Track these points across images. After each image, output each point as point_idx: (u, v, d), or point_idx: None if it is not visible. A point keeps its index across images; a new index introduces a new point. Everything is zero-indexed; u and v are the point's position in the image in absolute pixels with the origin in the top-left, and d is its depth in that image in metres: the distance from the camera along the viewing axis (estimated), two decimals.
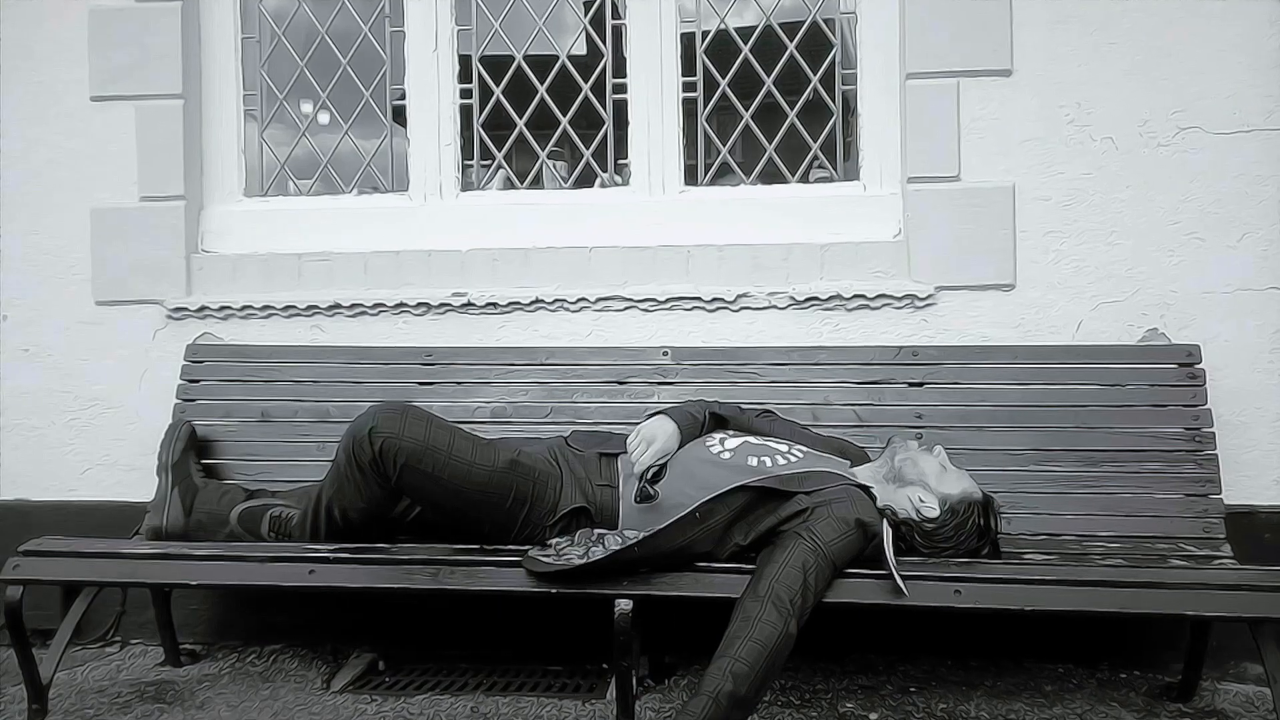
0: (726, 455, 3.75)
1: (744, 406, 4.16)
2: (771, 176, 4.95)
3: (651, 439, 3.72)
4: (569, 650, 4.40)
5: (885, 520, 3.59)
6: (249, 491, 4.18)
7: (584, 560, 3.44)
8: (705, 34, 4.94)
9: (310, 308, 4.83)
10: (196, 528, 4.07)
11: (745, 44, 4.91)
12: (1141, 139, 4.47)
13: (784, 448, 3.83)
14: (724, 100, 4.94)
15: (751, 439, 3.85)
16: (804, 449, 3.88)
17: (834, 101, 4.87)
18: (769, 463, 3.73)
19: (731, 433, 3.90)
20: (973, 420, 4.28)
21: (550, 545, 3.63)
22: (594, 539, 3.61)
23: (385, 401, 3.81)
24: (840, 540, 3.47)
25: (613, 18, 4.95)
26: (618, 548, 3.45)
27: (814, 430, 4.19)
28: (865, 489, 3.69)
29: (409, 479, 3.64)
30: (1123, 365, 4.30)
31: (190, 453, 4.29)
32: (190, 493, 4.13)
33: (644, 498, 3.64)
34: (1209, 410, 4.16)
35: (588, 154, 5.02)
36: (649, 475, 3.68)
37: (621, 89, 4.94)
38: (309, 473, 4.38)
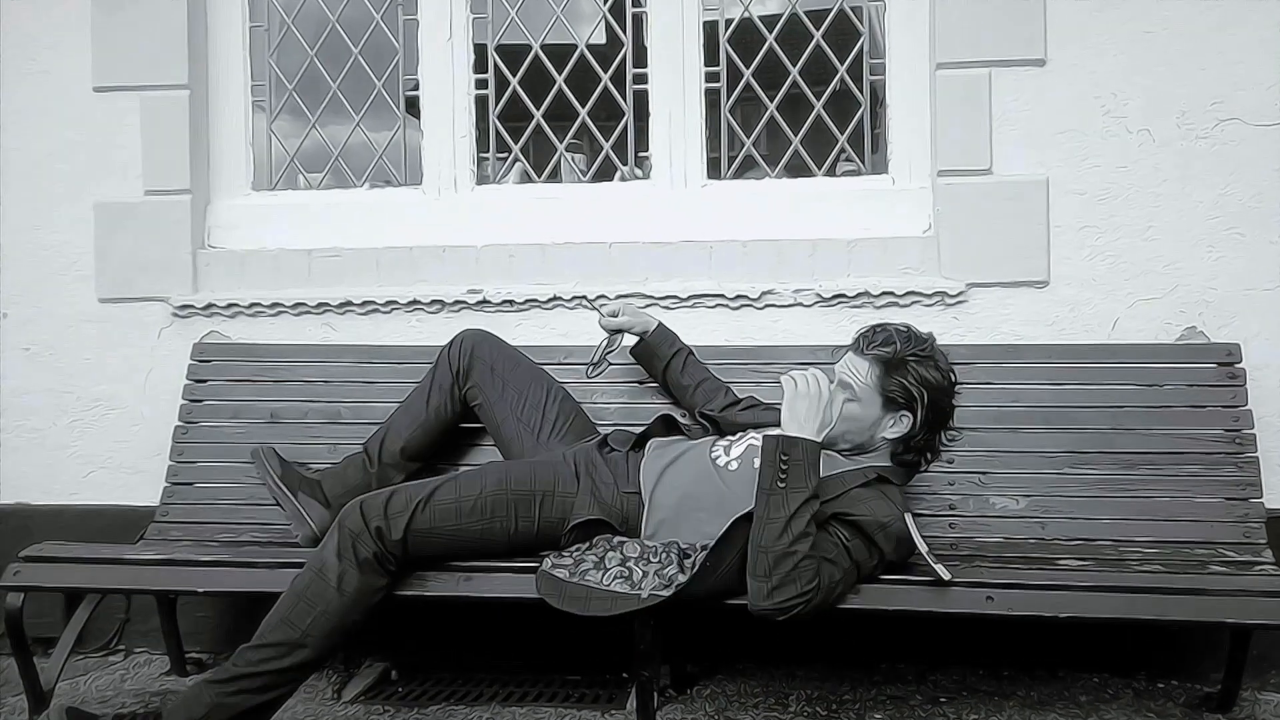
0: (734, 465, 3.78)
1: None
2: (797, 170, 5.01)
3: (629, 318, 4.39)
4: (587, 659, 4.43)
5: (907, 515, 3.63)
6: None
7: (608, 613, 3.47)
8: (729, 22, 4.99)
9: (321, 305, 4.90)
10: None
11: (770, 33, 4.97)
12: (1179, 131, 4.51)
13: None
14: (748, 91, 5.00)
15: (752, 437, 3.86)
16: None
17: (862, 92, 4.93)
18: None
19: (734, 438, 3.93)
20: (1005, 422, 4.31)
21: (567, 554, 3.66)
22: (612, 545, 3.65)
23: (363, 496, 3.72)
24: (868, 557, 3.54)
25: (633, 5, 5.01)
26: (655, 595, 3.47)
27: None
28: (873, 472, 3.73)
29: (411, 550, 3.64)
30: (1160, 365, 4.33)
31: (283, 461, 4.35)
32: (313, 486, 4.23)
33: (594, 365, 4.33)
34: (1249, 411, 4.18)
35: (607, 146, 5.08)
36: (601, 347, 4.33)
37: (642, 79, 5.00)
38: None
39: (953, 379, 3.77)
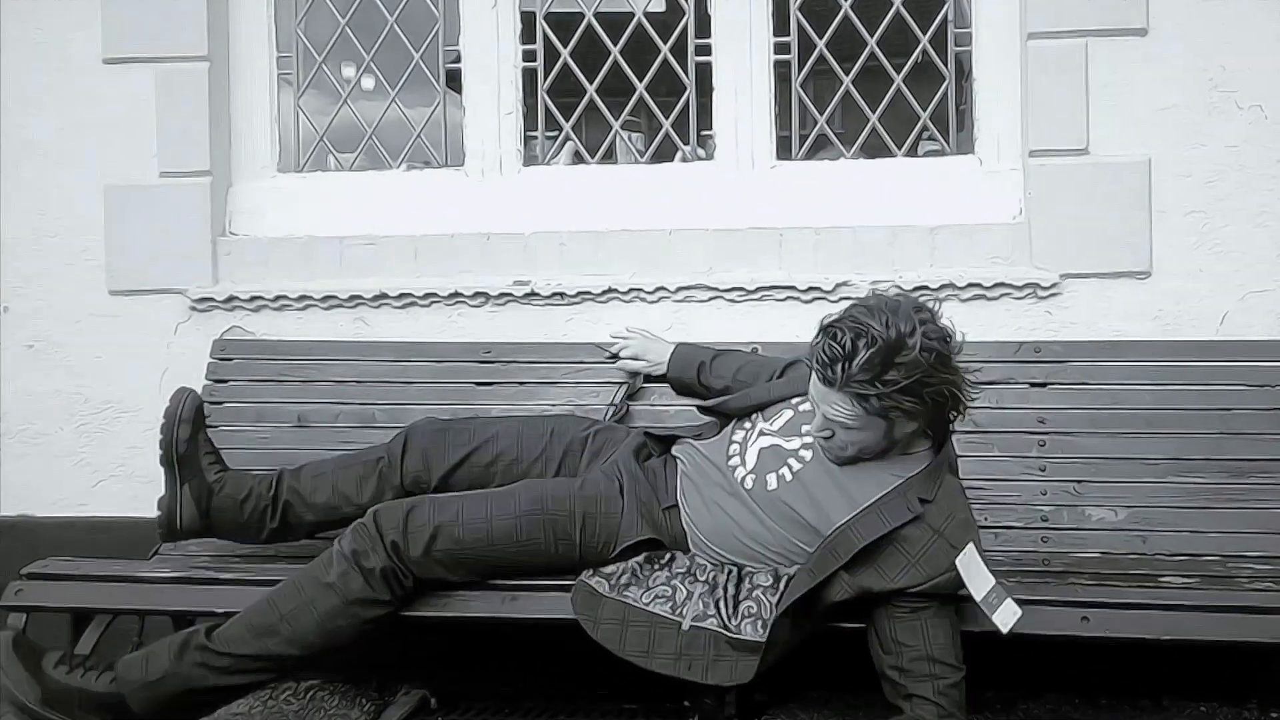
0: (749, 483, 3.75)
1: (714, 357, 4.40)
2: (875, 150, 5.11)
3: (643, 353, 4.48)
4: (645, 685, 4.13)
5: (963, 547, 3.50)
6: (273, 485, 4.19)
7: (643, 664, 3.57)
8: None
9: (353, 298, 5.03)
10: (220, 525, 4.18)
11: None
12: None
13: (794, 445, 3.78)
14: (821, 63, 5.08)
15: (764, 434, 3.84)
16: (802, 447, 3.78)
17: (946, 65, 5.04)
18: (789, 479, 3.72)
19: (744, 433, 3.90)
20: (1103, 426, 4.36)
21: (603, 573, 3.70)
22: (661, 561, 3.72)
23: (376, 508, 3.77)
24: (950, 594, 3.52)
25: None
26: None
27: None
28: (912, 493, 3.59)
29: (431, 571, 3.70)
30: (1273, 363, 4.38)
31: (200, 435, 4.17)
32: (204, 492, 4.11)
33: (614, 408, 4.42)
34: None
35: (667, 124, 5.20)
36: (619, 394, 4.43)
37: (705, 50, 5.10)
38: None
39: (947, 349, 3.50)
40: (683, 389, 4.46)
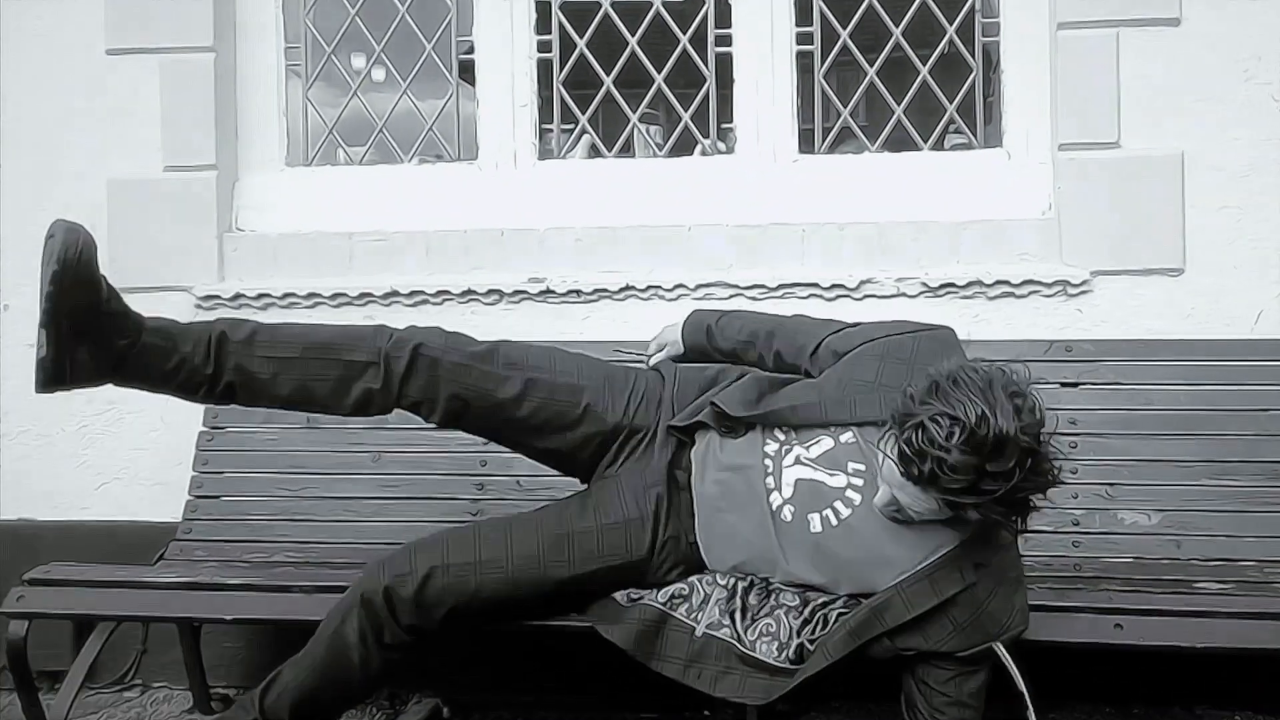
0: (788, 515, 3.55)
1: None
2: (900, 143, 5.12)
3: (664, 342, 4.16)
4: (664, 693, 4.14)
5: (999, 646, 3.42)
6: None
7: (654, 665, 3.56)
8: None
9: (363, 295, 5.05)
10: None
11: None
12: None
13: (839, 483, 3.54)
14: (845, 54, 5.10)
15: (801, 463, 3.59)
16: (858, 471, 3.56)
17: (973, 56, 5.05)
18: (835, 524, 3.53)
19: (776, 445, 3.65)
20: (1136, 427, 4.39)
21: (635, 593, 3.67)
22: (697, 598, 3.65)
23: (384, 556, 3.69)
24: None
25: None
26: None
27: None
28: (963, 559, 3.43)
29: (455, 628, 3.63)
30: None
31: (98, 296, 3.76)
32: (108, 360, 3.76)
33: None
34: None
35: (686, 117, 5.22)
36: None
37: (725, 41, 5.13)
38: (362, 487, 4.62)
39: (1044, 448, 3.21)
40: (700, 356, 4.10)
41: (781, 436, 3.67)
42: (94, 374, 3.76)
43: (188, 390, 3.79)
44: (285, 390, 3.77)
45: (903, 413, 3.22)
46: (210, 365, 3.71)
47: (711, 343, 4.03)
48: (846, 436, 3.58)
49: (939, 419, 3.11)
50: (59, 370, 3.69)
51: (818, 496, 3.54)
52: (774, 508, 3.57)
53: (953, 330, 3.79)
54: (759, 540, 3.59)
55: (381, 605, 3.52)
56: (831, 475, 3.56)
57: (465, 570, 3.56)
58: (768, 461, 3.63)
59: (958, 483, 3.11)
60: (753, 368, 3.95)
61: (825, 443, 3.60)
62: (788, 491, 3.57)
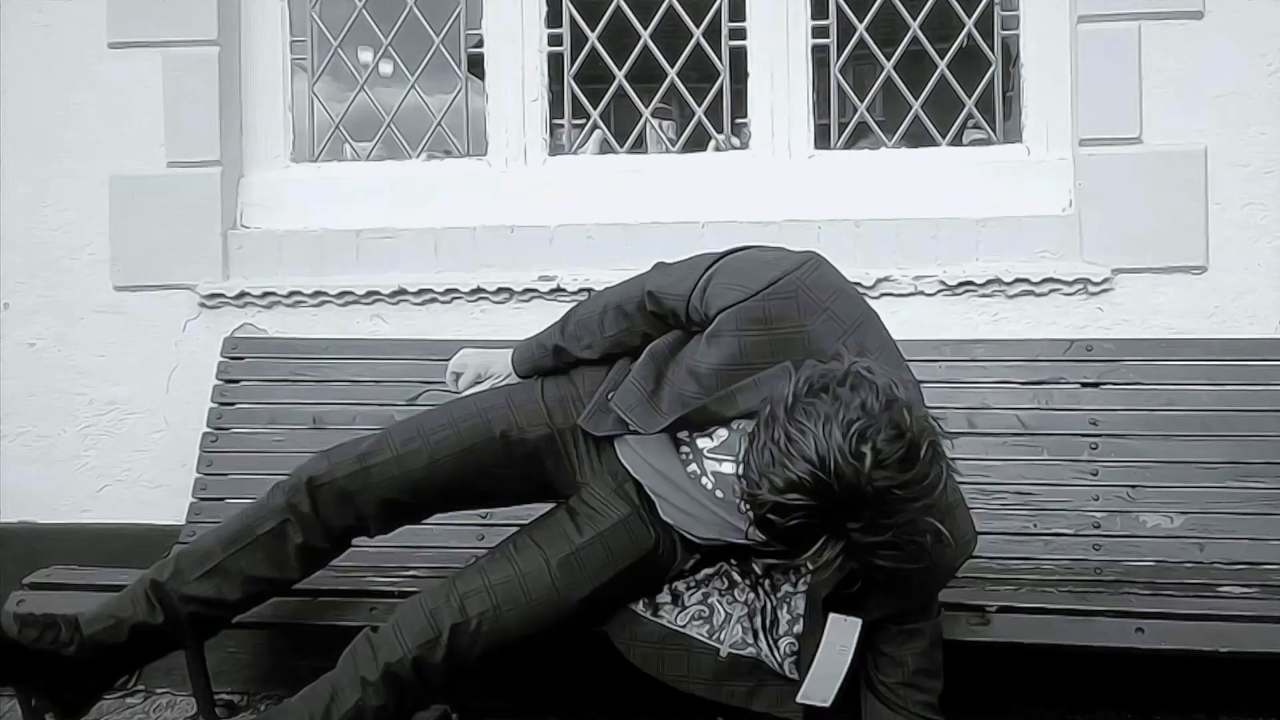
0: (720, 494, 3.43)
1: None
2: (918, 138, 5.13)
3: (485, 371, 3.95)
4: (674, 699, 4.06)
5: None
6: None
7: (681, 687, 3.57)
8: None
9: (370, 294, 5.06)
10: None
11: None
12: None
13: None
14: (861, 48, 5.11)
15: (708, 456, 3.47)
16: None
17: (992, 49, 5.05)
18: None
19: (689, 434, 3.50)
20: (1157, 428, 4.38)
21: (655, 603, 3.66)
22: (697, 579, 3.70)
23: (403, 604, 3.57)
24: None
25: None
26: None
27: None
28: None
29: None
30: None
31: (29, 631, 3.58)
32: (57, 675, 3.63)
33: None
34: None
35: (700, 112, 5.22)
36: None
37: (740, 34, 5.13)
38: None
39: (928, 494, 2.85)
40: (552, 371, 3.87)
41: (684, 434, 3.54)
42: (92, 692, 3.71)
43: (157, 653, 3.77)
44: (237, 594, 3.69)
45: (741, 462, 2.97)
46: (159, 613, 3.63)
47: (572, 354, 3.79)
48: (738, 424, 3.37)
49: (771, 474, 2.79)
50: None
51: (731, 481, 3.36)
52: (708, 489, 3.48)
53: (807, 263, 3.45)
54: (709, 517, 3.53)
55: (410, 675, 3.40)
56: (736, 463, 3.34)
57: (487, 619, 3.44)
58: (684, 449, 3.53)
59: (808, 547, 2.82)
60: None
61: (721, 433, 3.47)
62: (712, 478, 3.47)
